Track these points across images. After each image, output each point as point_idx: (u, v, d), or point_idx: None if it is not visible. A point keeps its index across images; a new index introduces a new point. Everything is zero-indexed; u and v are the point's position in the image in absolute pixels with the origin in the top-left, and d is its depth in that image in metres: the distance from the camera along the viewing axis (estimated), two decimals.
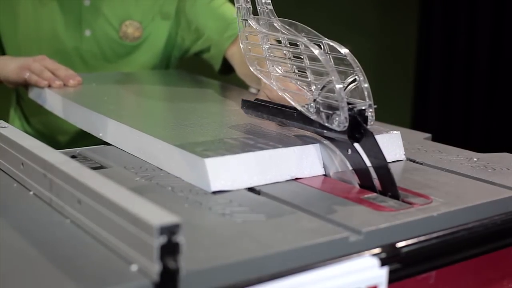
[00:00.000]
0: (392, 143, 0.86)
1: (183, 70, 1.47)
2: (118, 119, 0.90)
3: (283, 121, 0.83)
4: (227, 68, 1.35)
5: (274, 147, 0.76)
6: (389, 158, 0.83)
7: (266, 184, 0.74)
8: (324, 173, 0.78)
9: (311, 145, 0.78)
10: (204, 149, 0.75)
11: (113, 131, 0.90)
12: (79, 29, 1.33)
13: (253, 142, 0.79)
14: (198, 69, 1.45)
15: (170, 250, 0.49)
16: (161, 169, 0.79)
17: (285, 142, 0.79)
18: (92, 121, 0.96)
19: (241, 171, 0.72)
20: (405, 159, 0.87)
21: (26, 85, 1.20)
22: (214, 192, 0.71)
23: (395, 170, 0.73)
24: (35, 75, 1.16)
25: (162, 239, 0.49)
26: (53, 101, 1.12)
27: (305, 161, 0.77)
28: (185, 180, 0.74)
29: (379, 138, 0.82)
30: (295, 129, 0.84)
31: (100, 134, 0.93)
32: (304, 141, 0.80)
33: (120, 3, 1.34)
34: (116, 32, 1.34)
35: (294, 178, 0.76)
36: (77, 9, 1.32)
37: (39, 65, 1.17)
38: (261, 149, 0.75)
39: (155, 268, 0.50)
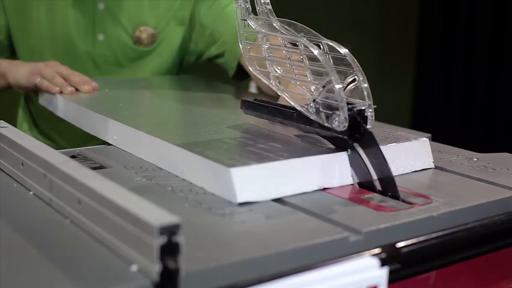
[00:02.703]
0: (421, 151, 0.82)
1: (197, 75, 1.44)
2: (135, 126, 0.87)
3: (282, 121, 0.83)
4: (241, 74, 1.33)
5: (301, 155, 0.72)
6: (417, 166, 0.81)
7: (293, 195, 0.70)
8: (352, 183, 0.75)
9: (338, 153, 0.74)
10: (229, 158, 0.71)
11: (130, 138, 0.87)
12: (92, 33, 1.31)
13: (278, 150, 0.75)
14: (210, 74, 1.43)
15: (170, 250, 0.49)
16: (161, 169, 0.79)
17: (312, 150, 0.75)
18: (108, 128, 0.92)
19: (268, 181, 0.69)
20: (433, 167, 0.83)
21: (36, 90, 1.17)
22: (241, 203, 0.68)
23: None
24: (46, 81, 1.13)
25: (162, 239, 0.49)
26: (65, 108, 1.08)
27: (333, 170, 0.73)
28: (208, 190, 0.71)
29: (407, 145, 0.80)
30: (319, 136, 0.80)
31: (116, 141, 0.90)
32: (330, 149, 0.76)
33: (134, 8, 1.32)
34: (129, 37, 1.32)
35: (322, 188, 0.72)
36: (91, 13, 1.30)
37: (51, 71, 1.14)
38: (288, 157, 0.71)
39: (155, 268, 0.50)
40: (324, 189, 0.73)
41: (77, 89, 1.13)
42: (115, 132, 0.90)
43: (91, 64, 1.33)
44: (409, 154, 0.80)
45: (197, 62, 1.43)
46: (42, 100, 1.16)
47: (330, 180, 0.73)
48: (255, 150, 0.75)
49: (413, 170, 0.80)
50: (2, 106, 1.50)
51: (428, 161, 0.82)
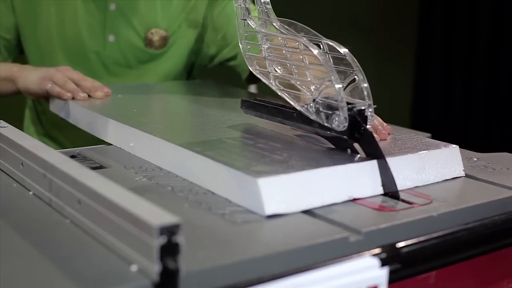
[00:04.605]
0: (451, 159, 0.78)
1: (207, 80, 1.41)
2: (153, 132, 0.83)
3: (282, 121, 0.83)
4: (254, 76, 1.32)
5: (329, 164, 0.69)
6: (447, 175, 0.78)
7: (322, 207, 0.67)
8: (382, 193, 0.72)
9: (368, 162, 0.71)
10: (255, 167, 0.68)
11: (148, 145, 0.84)
12: (102, 34, 1.29)
13: (305, 159, 0.72)
14: (218, 77, 1.41)
15: (170, 250, 0.49)
16: (161, 169, 0.79)
17: (339, 159, 0.72)
18: (124, 134, 0.89)
19: (297, 192, 0.66)
20: (464, 175, 0.79)
21: (47, 96, 1.13)
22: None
23: None
24: (57, 86, 1.10)
25: (162, 240, 0.49)
26: (77, 114, 1.05)
27: (362, 180, 0.70)
28: (233, 201, 0.68)
29: (437, 153, 0.77)
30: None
31: (133, 148, 0.87)
32: (360, 157, 0.73)
33: (146, 10, 1.30)
34: (140, 39, 1.30)
35: (352, 198, 0.69)
36: (102, 14, 1.28)
37: (62, 76, 1.11)
38: (316, 167, 0.68)
39: (155, 268, 0.50)
40: (354, 199, 0.69)
41: (89, 95, 1.10)
42: (132, 139, 0.87)
43: (100, 65, 1.31)
44: (439, 162, 0.77)
45: (209, 65, 1.41)
46: (53, 106, 1.13)
47: (360, 189, 0.70)
48: (282, 158, 0.72)
49: (443, 179, 0.77)
50: (8, 106, 1.49)
51: (458, 170, 0.79)
